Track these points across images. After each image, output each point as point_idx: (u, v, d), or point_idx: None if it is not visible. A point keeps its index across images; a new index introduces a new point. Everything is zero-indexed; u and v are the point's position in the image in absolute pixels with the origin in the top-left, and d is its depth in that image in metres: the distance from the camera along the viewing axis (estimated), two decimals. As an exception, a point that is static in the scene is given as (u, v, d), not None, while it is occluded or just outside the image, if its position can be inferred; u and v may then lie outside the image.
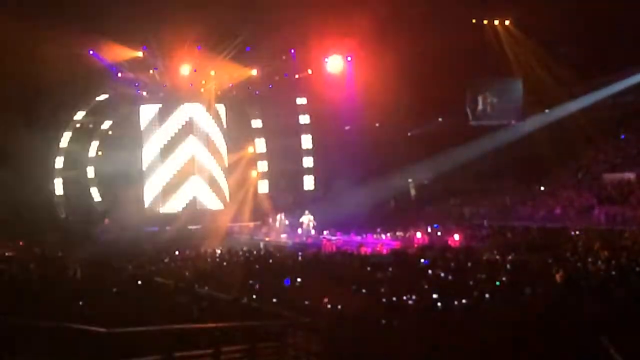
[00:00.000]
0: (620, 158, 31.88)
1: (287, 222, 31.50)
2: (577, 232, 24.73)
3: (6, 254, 23.24)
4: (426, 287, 14.26)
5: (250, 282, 16.33)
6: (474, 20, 34.27)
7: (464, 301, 12.20)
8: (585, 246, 21.36)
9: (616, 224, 25.28)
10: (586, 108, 32.75)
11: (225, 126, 35.01)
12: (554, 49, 31.64)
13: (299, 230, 31.01)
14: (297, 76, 35.93)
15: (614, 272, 15.32)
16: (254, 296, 14.07)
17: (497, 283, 14.62)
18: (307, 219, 30.43)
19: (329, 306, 12.55)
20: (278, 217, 32.11)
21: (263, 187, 36.85)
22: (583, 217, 27.18)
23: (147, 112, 33.62)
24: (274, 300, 13.45)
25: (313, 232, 30.26)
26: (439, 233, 27.88)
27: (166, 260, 22.15)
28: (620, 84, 32.58)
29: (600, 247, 20.48)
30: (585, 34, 30.13)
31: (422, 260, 19.44)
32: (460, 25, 33.63)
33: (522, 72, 34.32)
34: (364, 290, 14.55)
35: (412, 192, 35.66)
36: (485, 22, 34.42)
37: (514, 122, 35.99)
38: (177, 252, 24.21)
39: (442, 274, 16.34)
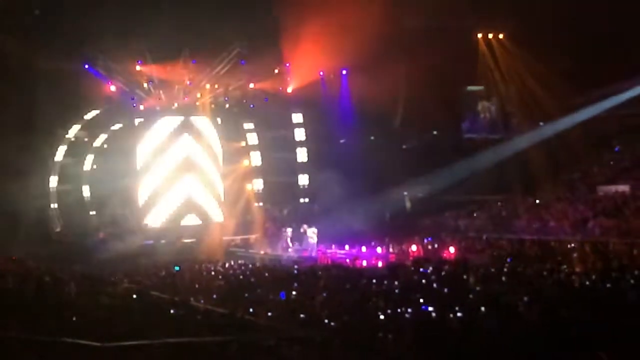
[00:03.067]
0: (615, 170, 31.98)
1: (290, 235, 31.30)
2: (572, 245, 24.76)
3: (0, 268, 23.14)
4: (422, 299, 14.24)
5: (246, 295, 16.29)
6: (468, 34, 34.50)
7: (459, 314, 12.17)
8: (580, 259, 21.40)
9: (611, 237, 25.32)
10: (580, 121, 32.88)
11: (220, 139, 35.01)
12: (548, 62, 31.80)
13: (293, 244, 30.92)
14: (291, 90, 36.08)
15: (609, 285, 15.33)
16: (250, 310, 14.02)
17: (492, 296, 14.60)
18: (310, 231, 30.30)
19: (325, 320, 12.52)
20: (284, 231, 31.83)
21: (258, 200, 36.85)
22: (578, 229, 27.22)
23: (143, 126, 33.60)
24: (270, 313, 13.41)
25: (315, 244, 30.01)
26: (435, 245, 27.90)
27: (162, 274, 22.10)
28: (614, 97, 32.73)
29: (595, 260, 20.53)
30: (580, 47, 30.30)
31: (421, 269, 19.45)
32: (454, 39, 33.85)
33: (517, 85, 34.51)
34: (359, 304, 14.52)
35: (408, 205, 35.68)
36: (480, 35, 34.67)
37: (508, 135, 36.16)
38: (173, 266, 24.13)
39: (438, 287, 16.33)
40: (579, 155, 33.31)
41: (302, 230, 30.90)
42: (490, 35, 34.56)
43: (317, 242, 29.95)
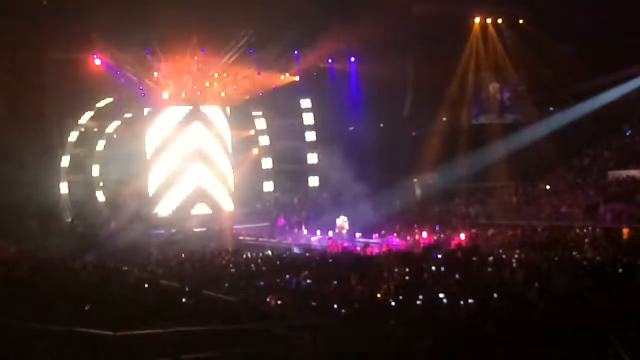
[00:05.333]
0: (626, 155, 31.78)
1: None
2: (583, 230, 24.67)
3: (12, 257, 23.25)
4: (433, 287, 14.22)
5: (257, 283, 16.32)
6: (477, 19, 34.32)
7: (470, 300, 12.15)
8: (591, 244, 21.31)
9: (622, 222, 25.22)
10: (591, 105, 32.66)
11: (229, 128, 35.01)
12: (558, 46, 31.58)
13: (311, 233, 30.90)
14: (299, 77, 36.00)
15: (620, 270, 15.29)
16: (261, 298, 14.05)
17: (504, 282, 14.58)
18: (341, 220, 30.19)
19: (335, 307, 12.53)
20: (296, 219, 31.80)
21: (268, 188, 36.90)
22: (589, 215, 27.11)
23: (152, 115, 33.64)
24: (280, 302, 13.43)
25: (346, 234, 29.88)
26: (446, 232, 27.83)
27: (172, 264, 22.16)
28: (626, 82, 32.49)
29: (607, 245, 20.44)
30: (591, 31, 30.08)
31: (432, 254, 19.44)
32: (464, 25, 33.70)
33: (527, 70, 34.31)
34: (370, 291, 14.52)
35: (417, 191, 35.58)
36: (489, 20, 34.45)
37: (518, 118, 36.06)
38: (183, 255, 24.19)
39: (449, 274, 16.28)
40: (590, 140, 33.12)
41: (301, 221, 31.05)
42: (500, 20, 34.32)
43: (349, 230, 29.82)
